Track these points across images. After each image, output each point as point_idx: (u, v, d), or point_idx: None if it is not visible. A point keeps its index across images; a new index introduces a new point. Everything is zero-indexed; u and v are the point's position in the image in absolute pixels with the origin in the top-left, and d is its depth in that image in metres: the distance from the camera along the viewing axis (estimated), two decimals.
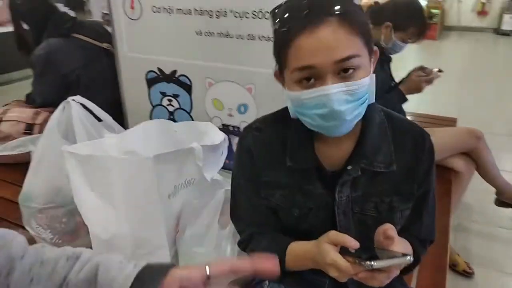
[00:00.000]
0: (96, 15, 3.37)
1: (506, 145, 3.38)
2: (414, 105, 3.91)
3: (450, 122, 2.52)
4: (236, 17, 1.46)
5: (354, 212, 0.87)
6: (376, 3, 1.91)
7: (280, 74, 0.81)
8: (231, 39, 1.48)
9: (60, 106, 1.28)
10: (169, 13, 1.60)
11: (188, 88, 1.68)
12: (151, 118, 1.83)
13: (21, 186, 1.24)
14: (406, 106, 1.94)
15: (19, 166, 1.31)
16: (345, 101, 0.72)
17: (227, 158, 1.27)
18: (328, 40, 0.69)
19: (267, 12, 1.34)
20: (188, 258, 1.06)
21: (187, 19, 1.56)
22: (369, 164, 0.84)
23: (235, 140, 1.51)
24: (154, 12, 1.64)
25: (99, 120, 1.33)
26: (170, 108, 1.76)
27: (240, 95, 1.54)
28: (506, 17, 8.06)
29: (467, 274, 1.96)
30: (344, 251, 0.73)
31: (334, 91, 0.70)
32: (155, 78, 1.74)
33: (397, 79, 2.02)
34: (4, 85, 5.17)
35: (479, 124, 2.20)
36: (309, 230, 0.87)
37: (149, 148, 1.11)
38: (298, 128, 0.84)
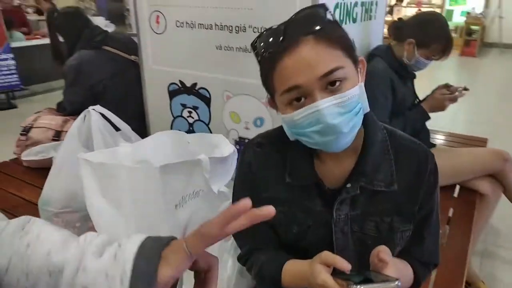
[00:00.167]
0: (136, 29, 3.52)
1: None
2: (447, 124, 3.81)
3: (480, 142, 2.42)
4: (254, 32, 1.49)
5: (353, 231, 0.86)
6: (399, 19, 1.88)
7: (272, 101, 0.82)
8: (249, 53, 1.50)
9: (81, 115, 1.34)
10: (191, 27, 1.66)
11: (207, 100, 1.71)
12: (171, 129, 1.88)
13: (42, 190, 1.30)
14: (435, 124, 1.88)
15: (42, 170, 1.38)
16: (337, 114, 0.72)
17: None
18: (308, 57, 0.70)
19: None
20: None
21: (208, 34, 1.61)
22: (369, 182, 0.83)
23: None
24: (177, 26, 1.69)
25: (118, 129, 1.38)
26: (190, 120, 1.81)
27: (257, 109, 1.56)
28: None
29: None
30: (336, 272, 0.72)
31: (324, 105, 0.71)
32: (176, 90, 1.79)
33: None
34: (45, 93, 5.46)
35: (511, 145, 2.11)
36: (308, 248, 0.86)
37: (160, 158, 1.14)
38: (298, 144, 0.84)
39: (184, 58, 1.72)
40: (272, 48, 0.74)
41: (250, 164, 0.91)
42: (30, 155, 1.77)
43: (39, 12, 7.64)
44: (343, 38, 0.76)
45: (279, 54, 0.72)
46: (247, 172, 0.91)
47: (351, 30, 1.73)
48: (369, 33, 1.98)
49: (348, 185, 0.83)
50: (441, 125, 1.94)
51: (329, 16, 0.75)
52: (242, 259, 0.97)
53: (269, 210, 0.49)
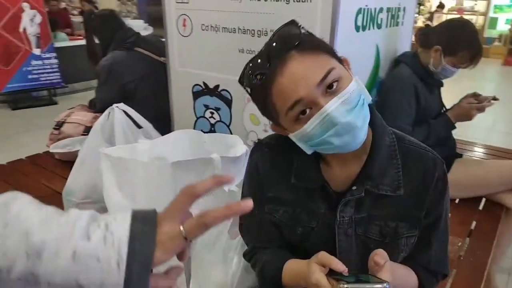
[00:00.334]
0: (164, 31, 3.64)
1: None
2: (483, 135, 3.67)
3: None
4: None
5: (358, 234, 0.86)
6: (426, 25, 1.85)
7: (276, 126, 0.83)
8: None
9: (106, 112, 1.41)
10: (215, 31, 1.70)
11: (228, 102, 1.75)
12: (194, 128, 1.93)
13: None
14: (470, 135, 1.83)
15: (71, 163, 1.46)
16: (346, 111, 0.73)
17: None
18: (299, 71, 0.72)
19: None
20: (197, 263, 1.10)
21: (231, 37, 1.64)
22: (375, 186, 0.83)
23: None
24: (202, 30, 1.74)
25: (140, 127, 1.44)
26: (212, 121, 1.85)
27: None
28: None
29: None
30: (331, 273, 0.73)
31: (332, 107, 0.72)
32: (200, 91, 1.84)
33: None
34: (84, 91, 5.71)
35: None
36: (312, 249, 0.87)
37: (176, 155, 1.19)
38: None
39: (208, 60, 1.77)
40: (262, 75, 0.75)
41: (257, 164, 0.93)
42: (57, 148, 1.87)
43: (83, 13, 8.02)
44: (323, 44, 0.78)
45: (271, 78, 0.74)
46: (254, 172, 0.93)
47: (375, 36, 1.73)
48: (396, 39, 1.96)
49: (354, 188, 0.84)
50: (476, 136, 1.87)
51: (301, 30, 0.78)
52: (247, 255, 0.99)
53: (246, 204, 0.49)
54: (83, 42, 5.50)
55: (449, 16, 10.14)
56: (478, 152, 2.42)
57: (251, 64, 0.78)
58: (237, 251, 1.08)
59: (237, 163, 1.21)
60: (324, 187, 0.86)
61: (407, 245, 0.86)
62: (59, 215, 0.48)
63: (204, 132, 1.82)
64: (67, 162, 1.90)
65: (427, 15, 10.78)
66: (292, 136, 0.80)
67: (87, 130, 2.01)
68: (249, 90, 0.80)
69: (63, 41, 5.57)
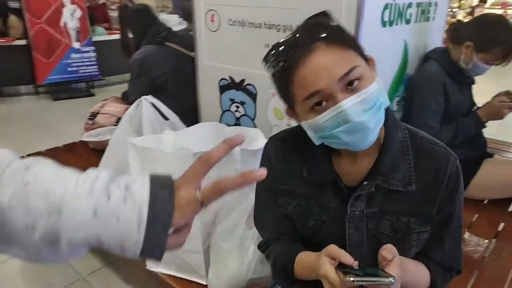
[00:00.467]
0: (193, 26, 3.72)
1: None
2: None
3: None
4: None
5: (369, 229, 0.87)
6: (458, 20, 1.80)
7: (291, 111, 0.85)
8: None
9: (135, 104, 1.47)
10: (242, 26, 1.73)
11: (253, 96, 1.78)
12: (220, 122, 1.97)
13: None
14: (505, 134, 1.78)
15: (102, 151, 1.53)
16: (362, 111, 0.73)
17: None
18: (324, 62, 0.72)
19: None
20: (215, 251, 1.14)
21: (257, 32, 1.67)
22: (385, 181, 0.84)
23: None
24: (229, 25, 1.78)
25: (166, 118, 1.50)
26: (237, 114, 1.89)
27: None
28: None
29: None
30: (341, 266, 0.75)
31: (349, 104, 0.72)
32: (226, 85, 1.88)
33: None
34: (120, 84, 5.91)
35: None
36: (323, 242, 0.88)
37: (198, 146, 1.23)
38: None
39: (235, 55, 1.80)
40: (285, 60, 0.76)
41: (270, 158, 0.95)
42: (90, 136, 1.97)
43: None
44: (351, 40, 0.78)
45: (294, 65, 0.74)
46: (267, 165, 0.96)
47: (404, 31, 1.70)
48: (426, 35, 1.92)
49: (365, 183, 0.85)
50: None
51: (332, 22, 0.78)
52: (262, 247, 1.02)
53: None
54: (119, 36, 5.73)
55: (492, 11, 9.70)
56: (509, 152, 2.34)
57: (277, 47, 0.78)
58: (253, 240, 1.11)
59: (257, 156, 1.24)
60: (335, 182, 0.87)
61: (418, 241, 0.86)
62: (77, 175, 0.48)
63: (229, 126, 1.87)
64: (100, 150, 1.99)
65: (468, 10, 10.35)
66: (303, 124, 0.81)
67: (119, 121, 2.09)
68: (270, 71, 0.80)
69: (101, 35, 5.77)
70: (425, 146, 0.86)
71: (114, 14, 7.56)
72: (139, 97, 2.19)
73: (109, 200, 0.46)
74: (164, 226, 0.47)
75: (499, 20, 1.68)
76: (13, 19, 5.30)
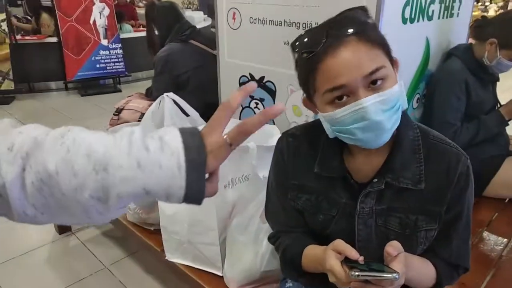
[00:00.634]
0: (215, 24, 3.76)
1: None
2: None
3: None
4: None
5: (378, 225, 0.88)
6: (483, 17, 1.77)
7: (308, 101, 0.85)
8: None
9: (157, 100, 1.52)
10: (263, 24, 1.75)
11: (272, 93, 1.81)
12: (240, 119, 2.01)
13: None
14: None
15: None
16: (381, 110, 0.74)
17: None
18: (352, 58, 0.73)
19: None
20: (230, 242, 1.18)
21: (277, 30, 1.69)
22: (395, 179, 0.85)
23: None
24: (250, 23, 1.80)
25: (187, 115, 1.54)
26: (257, 111, 1.92)
27: None
28: None
29: None
30: (347, 260, 0.76)
31: (369, 103, 0.73)
32: (246, 82, 1.91)
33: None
34: (145, 80, 6.04)
35: None
36: (332, 236, 0.90)
37: None
38: (329, 138, 0.87)
39: (255, 52, 1.83)
40: (314, 48, 0.76)
41: (282, 153, 0.98)
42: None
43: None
44: (382, 39, 0.78)
45: (322, 54, 0.74)
46: (279, 160, 0.98)
47: (425, 28, 1.68)
48: (449, 32, 1.89)
49: (375, 180, 0.86)
50: None
51: (368, 18, 0.78)
52: (272, 239, 1.05)
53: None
54: (145, 33, 5.86)
55: None
56: None
57: (308, 34, 0.78)
58: (267, 234, 1.14)
59: (272, 152, 1.27)
60: (346, 178, 0.89)
61: (426, 238, 0.87)
62: (112, 135, 0.51)
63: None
64: None
65: (501, 3, 9.99)
66: (320, 115, 0.82)
67: (142, 117, 2.16)
68: (296, 57, 0.81)
69: (128, 32, 5.91)
70: (437, 146, 0.87)
71: (141, 11, 7.74)
72: (162, 94, 2.27)
73: (148, 151, 0.48)
74: (201, 170, 0.49)
75: None
76: (45, 17, 5.52)
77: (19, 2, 6.58)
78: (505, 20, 1.67)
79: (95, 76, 5.46)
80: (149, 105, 2.21)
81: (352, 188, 0.89)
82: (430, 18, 1.69)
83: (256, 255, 1.14)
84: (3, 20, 4.84)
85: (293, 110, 1.73)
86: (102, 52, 5.39)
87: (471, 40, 1.89)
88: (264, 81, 1.83)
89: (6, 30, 4.87)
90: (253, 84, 0.54)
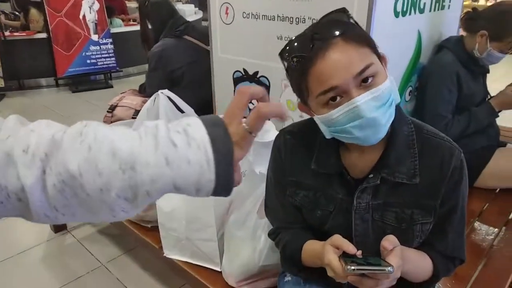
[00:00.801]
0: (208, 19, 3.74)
1: None
2: None
3: None
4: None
5: (374, 220, 0.90)
6: (474, 9, 1.78)
7: (304, 106, 0.87)
8: None
9: (152, 97, 1.52)
10: (256, 19, 1.75)
11: (266, 88, 1.81)
12: None
13: None
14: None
15: None
16: (374, 107, 0.76)
17: None
18: (342, 59, 0.74)
19: None
20: (228, 238, 1.19)
21: (270, 25, 1.69)
22: (390, 174, 0.86)
23: None
24: (243, 17, 1.80)
25: (182, 111, 1.54)
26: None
27: None
28: None
29: None
30: (345, 254, 0.78)
31: (362, 101, 0.75)
32: (240, 77, 1.92)
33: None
34: (137, 75, 6.00)
35: None
36: (330, 231, 0.92)
37: None
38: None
39: (248, 47, 1.83)
40: (303, 53, 0.77)
41: (280, 150, 0.99)
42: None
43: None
44: (367, 37, 0.79)
45: (312, 58, 0.75)
46: (277, 157, 0.99)
47: (417, 21, 1.70)
48: (440, 24, 1.90)
49: (370, 176, 0.88)
50: None
51: (349, 19, 0.80)
52: (272, 235, 1.06)
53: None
54: (136, 28, 5.79)
55: None
56: None
57: (294, 41, 0.79)
58: (264, 229, 1.16)
59: (269, 147, 1.26)
60: (342, 174, 0.90)
61: (422, 231, 0.89)
62: (133, 130, 0.49)
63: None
64: None
65: None
66: (316, 118, 0.83)
67: (136, 113, 2.15)
68: (286, 64, 0.82)
69: (118, 27, 5.85)
70: (430, 140, 0.88)
71: (131, 5, 7.65)
72: (156, 90, 2.25)
73: (175, 147, 0.46)
74: (228, 161, 0.48)
75: None
76: (34, 12, 5.43)
77: None
78: (496, 12, 1.68)
79: (86, 72, 5.41)
80: (143, 102, 2.21)
81: (348, 184, 0.91)
82: (421, 11, 1.70)
83: (254, 250, 1.15)
84: None
85: (287, 104, 1.74)
86: (92, 48, 5.33)
87: (461, 32, 1.91)
88: (258, 76, 1.83)
89: None
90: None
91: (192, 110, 1.60)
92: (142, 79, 2.44)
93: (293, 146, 0.97)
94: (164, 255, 1.41)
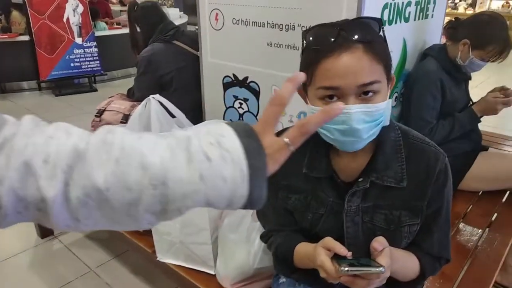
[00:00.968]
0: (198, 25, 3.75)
1: None
2: None
3: None
4: (303, 30, 1.57)
5: (364, 222, 0.93)
6: (456, 18, 1.85)
7: (302, 90, 0.89)
8: (297, 51, 1.60)
9: (143, 102, 1.53)
10: (245, 25, 1.78)
11: (256, 93, 1.84)
12: (224, 119, 2.03)
13: None
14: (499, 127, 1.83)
15: None
16: (363, 120, 0.79)
17: None
18: (354, 65, 0.77)
19: None
20: (222, 242, 1.21)
21: (260, 31, 1.72)
22: (379, 178, 0.90)
23: None
24: (233, 24, 1.83)
25: (173, 116, 1.55)
26: (240, 111, 1.94)
27: (301, 103, 1.63)
28: None
29: None
30: (336, 256, 0.82)
31: (354, 110, 0.78)
32: (229, 83, 1.94)
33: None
34: (122, 79, 5.96)
35: None
36: (322, 234, 0.95)
37: None
38: (318, 140, 0.91)
39: (238, 53, 1.86)
40: (322, 44, 0.78)
41: None
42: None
43: (122, 3, 8.28)
44: (386, 55, 0.82)
45: (328, 53, 0.77)
46: None
47: (402, 29, 1.75)
48: (424, 32, 1.97)
49: (360, 179, 0.91)
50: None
51: (380, 31, 0.82)
52: (264, 237, 1.08)
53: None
54: (121, 31, 5.77)
55: (494, 2, 9.70)
56: (504, 144, 2.40)
57: (323, 28, 0.81)
58: (259, 232, 1.18)
59: None
60: (333, 178, 0.93)
61: (409, 233, 0.93)
62: (163, 140, 0.47)
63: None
64: None
65: (470, 1, 10.33)
66: (308, 107, 0.86)
67: (125, 118, 2.15)
68: (304, 44, 0.84)
69: (102, 30, 5.80)
70: (416, 145, 0.92)
71: (115, 8, 7.60)
72: (145, 94, 2.25)
73: (210, 162, 0.44)
74: (262, 176, 0.47)
75: (495, 18, 1.73)
76: (15, 14, 5.34)
77: None
78: (477, 21, 1.75)
79: (69, 76, 5.34)
80: (131, 106, 2.21)
81: (339, 188, 0.94)
82: (406, 20, 1.76)
83: (249, 253, 1.17)
84: None
85: None
86: (76, 51, 5.27)
87: (443, 39, 1.98)
88: (247, 82, 1.86)
89: None
90: (302, 74, 0.51)
91: (183, 115, 1.62)
92: (126, 82, 2.44)
93: None
94: (158, 259, 1.42)
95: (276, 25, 1.66)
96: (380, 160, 0.90)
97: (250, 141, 0.47)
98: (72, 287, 1.94)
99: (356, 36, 0.77)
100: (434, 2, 1.96)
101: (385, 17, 1.59)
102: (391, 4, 1.59)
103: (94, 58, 5.42)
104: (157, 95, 1.52)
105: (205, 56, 2.03)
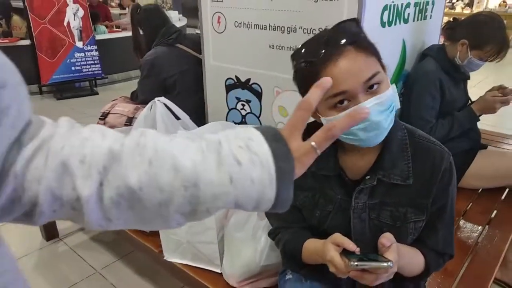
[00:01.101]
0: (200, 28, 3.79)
1: None
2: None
3: None
4: (304, 33, 1.61)
5: (371, 218, 0.96)
6: (454, 19, 1.88)
7: None
8: None
9: (149, 105, 1.55)
10: (248, 28, 1.81)
11: (259, 95, 1.87)
12: (226, 120, 2.06)
13: None
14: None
15: None
16: (378, 112, 0.82)
17: None
18: (353, 66, 0.81)
19: None
20: (228, 241, 1.23)
21: (262, 34, 1.75)
22: (386, 176, 0.93)
23: None
24: (235, 26, 1.86)
25: (178, 118, 1.58)
26: (243, 112, 1.97)
27: None
28: None
29: None
30: (345, 252, 0.84)
31: (369, 105, 0.81)
32: (232, 85, 1.97)
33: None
34: (123, 82, 5.98)
35: None
36: (330, 231, 0.97)
37: None
38: None
39: (240, 55, 1.88)
40: (316, 56, 0.83)
41: None
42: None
43: (121, 6, 8.32)
44: (374, 48, 0.86)
45: (326, 61, 0.81)
46: None
47: (402, 30, 1.78)
48: (423, 33, 2.00)
49: (367, 177, 0.94)
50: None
51: (360, 30, 0.86)
52: (271, 234, 1.11)
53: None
54: (121, 34, 5.80)
55: (492, 1, 9.75)
56: (503, 143, 2.43)
57: (308, 44, 0.85)
58: (264, 230, 1.21)
59: None
60: (340, 175, 0.96)
61: (415, 229, 0.96)
62: (194, 142, 0.48)
63: (236, 123, 1.96)
64: None
65: (467, 1, 10.39)
66: (323, 119, 0.88)
67: (129, 121, 2.18)
68: (297, 66, 0.87)
69: (102, 33, 5.84)
70: (422, 144, 0.95)
71: (114, 11, 7.64)
72: (148, 97, 2.28)
73: (240, 166, 0.46)
74: (290, 179, 0.48)
75: (493, 18, 1.76)
76: (16, 19, 5.38)
77: None
78: (475, 22, 1.78)
79: (70, 79, 5.37)
80: (135, 109, 2.23)
81: (346, 185, 0.96)
82: (406, 21, 1.79)
83: (255, 251, 1.20)
84: None
85: (279, 111, 1.80)
86: (77, 55, 5.30)
87: (441, 40, 2.01)
88: (250, 83, 1.89)
89: None
90: (328, 79, 0.52)
91: (188, 117, 1.64)
92: (127, 85, 2.46)
93: None
94: (165, 258, 1.45)
95: (278, 28, 1.69)
96: (387, 158, 0.92)
97: (278, 145, 0.48)
98: None
99: (343, 40, 0.82)
100: (433, 3, 1.99)
101: (385, 19, 1.62)
102: (390, 5, 1.62)
103: (95, 61, 5.45)
104: (162, 97, 1.55)
105: (207, 58, 2.06)
